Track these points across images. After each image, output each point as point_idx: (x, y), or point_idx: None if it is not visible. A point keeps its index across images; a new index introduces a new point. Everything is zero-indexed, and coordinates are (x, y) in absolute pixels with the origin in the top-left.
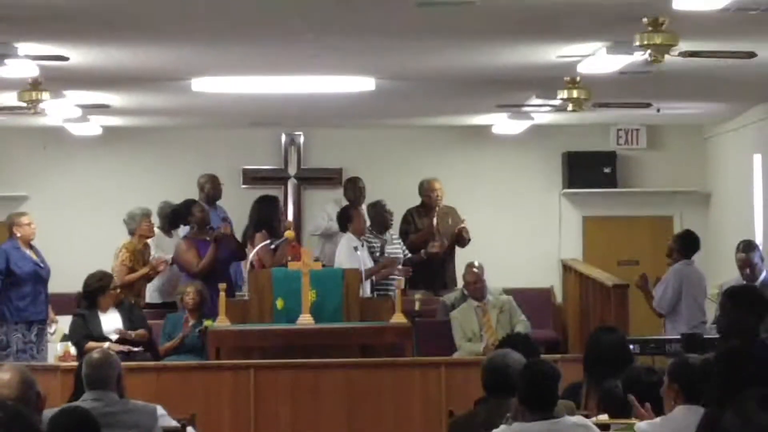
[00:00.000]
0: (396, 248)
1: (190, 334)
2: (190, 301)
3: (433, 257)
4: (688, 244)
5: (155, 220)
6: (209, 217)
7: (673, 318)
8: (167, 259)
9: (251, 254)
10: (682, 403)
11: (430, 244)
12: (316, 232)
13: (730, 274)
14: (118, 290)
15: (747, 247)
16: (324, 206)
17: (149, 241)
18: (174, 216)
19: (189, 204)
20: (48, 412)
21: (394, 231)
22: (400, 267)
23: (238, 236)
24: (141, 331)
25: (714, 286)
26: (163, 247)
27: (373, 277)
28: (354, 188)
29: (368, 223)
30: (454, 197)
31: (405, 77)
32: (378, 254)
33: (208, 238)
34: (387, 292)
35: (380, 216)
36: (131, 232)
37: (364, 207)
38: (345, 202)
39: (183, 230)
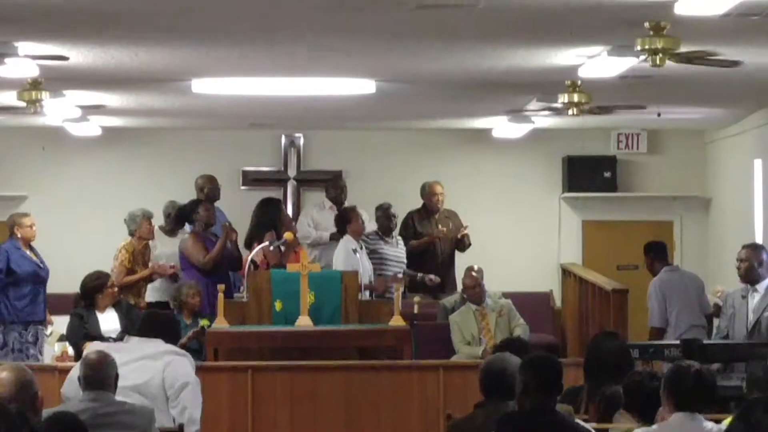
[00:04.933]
0: (400, 252)
1: (188, 343)
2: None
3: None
4: (659, 250)
5: (159, 219)
6: (215, 217)
7: (671, 330)
8: (174, 266)
9: (252, 253)
10: (675, 410)
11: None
12: (305, 241)
13: (729, 280)
14: (116, 288)
15: (750, 245)
16: (307, 210)
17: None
18: (179, 215)
19: (195, 203)
20: (46, 413)
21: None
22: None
23: (241, 240)
24: None
25: (713, 292)
26: (166, 246)
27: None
28: (336, 187)
29: (376, 226)
30: (454, 201)
31: (405, 80)
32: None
33: (213, 239)
34: (389, 294)
35: (383, 220)
36: (131, 233)
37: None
38: (328, 205)
39: (187, 230)
